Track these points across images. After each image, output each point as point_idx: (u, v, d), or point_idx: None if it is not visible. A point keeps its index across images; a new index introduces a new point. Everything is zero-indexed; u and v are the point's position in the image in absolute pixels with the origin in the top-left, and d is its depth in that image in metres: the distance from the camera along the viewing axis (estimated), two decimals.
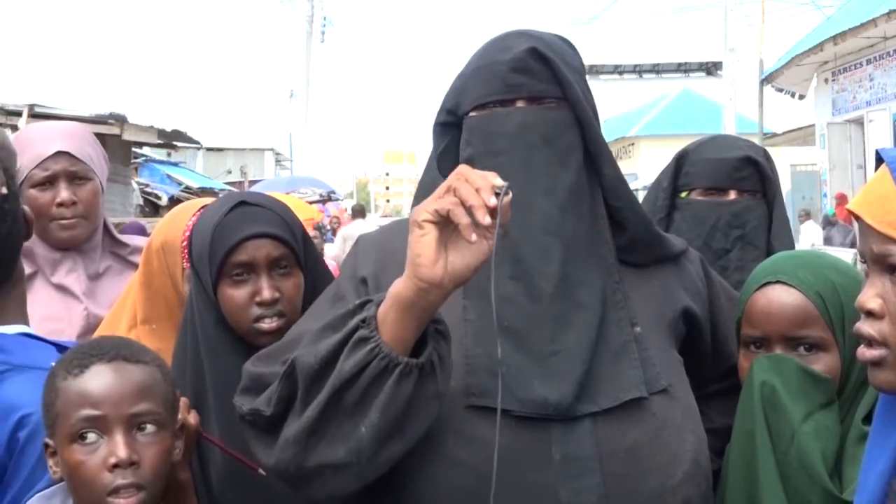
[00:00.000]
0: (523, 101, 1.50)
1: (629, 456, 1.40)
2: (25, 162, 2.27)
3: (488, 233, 1.27)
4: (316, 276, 1.83)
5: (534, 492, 1.37)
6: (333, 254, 11.89)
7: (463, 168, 1.30)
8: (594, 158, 1.53)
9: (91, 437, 1.36)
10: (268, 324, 1.71)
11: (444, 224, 1.28)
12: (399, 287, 1.31)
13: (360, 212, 15.19)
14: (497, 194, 1.26)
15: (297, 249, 1.77)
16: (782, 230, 2.08)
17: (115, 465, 1.34)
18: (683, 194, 2.09)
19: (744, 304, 1.62)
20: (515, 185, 1.43)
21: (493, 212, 1.25)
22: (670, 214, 2.09)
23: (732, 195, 2.06)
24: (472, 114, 1.54)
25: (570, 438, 1.39)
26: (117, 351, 1.42)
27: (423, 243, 1.28)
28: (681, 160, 2.11)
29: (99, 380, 1.39)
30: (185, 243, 1.89)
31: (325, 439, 1.34)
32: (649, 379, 1.46)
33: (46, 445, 1.40)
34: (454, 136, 1.57)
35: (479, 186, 1.26)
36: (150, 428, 1.39)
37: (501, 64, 1.50)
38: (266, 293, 1.70)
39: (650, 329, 1.52)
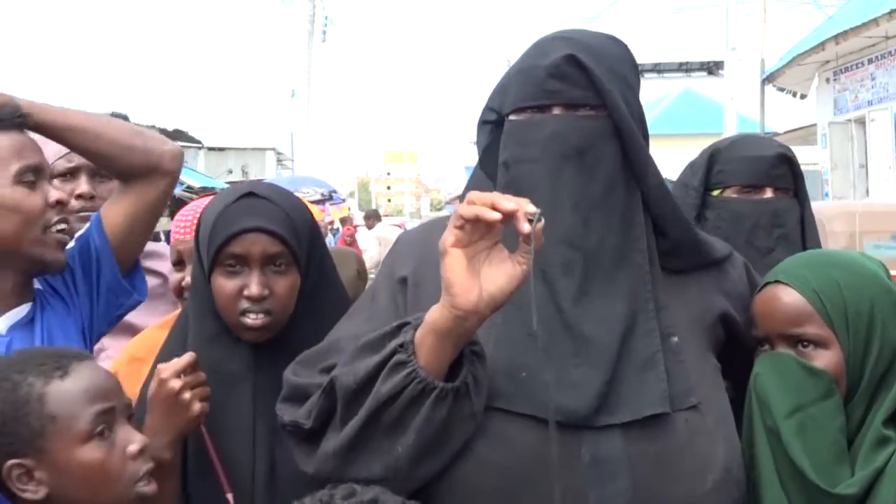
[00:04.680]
0: (560, 108, 1.48)
1: (659, 461, 1.39)
2: (50, 153, 2.27)
3: (522, 258, 1.27)
4: (319, 280, 1.78)
5: (563, 494, 1.35)
6: (372, 256, 11.76)
7: (494, 195, 1.30)
8: (635, 167, 1.50)
9: (105, 431, 1.38)
10: (252, 319, 1.67)
11: (473, 253, 1.30)
12: (435, 315, 1.32)
13: (375, 216, 15.41)
14: (530, 220, 1.26)
15: (297, 249, 1.71)
16: (813, 229, 2.07)
17: (140, 452, 1.41)
18: (716, 192, 2.07)
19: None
20: (544, 194, 1.42)
21: (526, 238, 1.26)
22: (701, 213, 2.06)
23: (769, 193, 2.04)
24: (511, 116, 1.53)
25: (599, 442, 1.39)
26: (69, 353, 1.43)
27: (454, 270, 1.29)
28: (712, 158, 2.09)
29: (90, 375, 1.39)
30: (193, 228, 1.89)
31: (362, 455, 1.37)
32: (678, 394, 1.44)
33: (12, 468, 1.34)
34: (497, 135, 1.56)
35: (511, 210, 1.26)
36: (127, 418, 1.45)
37: (539, 69, 1.48)
38: (254, 288, 1.66)
39: (687, 336, 1.51)
